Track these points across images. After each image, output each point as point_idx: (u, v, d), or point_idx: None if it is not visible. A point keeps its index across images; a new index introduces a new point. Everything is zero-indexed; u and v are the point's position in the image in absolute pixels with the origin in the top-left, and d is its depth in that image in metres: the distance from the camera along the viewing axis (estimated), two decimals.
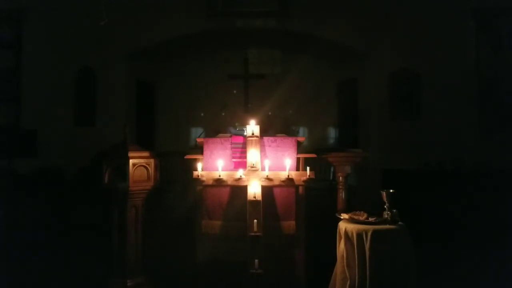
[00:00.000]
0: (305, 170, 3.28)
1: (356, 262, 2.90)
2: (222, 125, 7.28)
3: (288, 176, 3.23)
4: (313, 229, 3.64)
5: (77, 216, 5.33)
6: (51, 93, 6.72)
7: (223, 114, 7.35)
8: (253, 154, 3.28)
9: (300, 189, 3.39)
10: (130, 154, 3.18)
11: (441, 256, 4.24)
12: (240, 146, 3.38)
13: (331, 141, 8.36)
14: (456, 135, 6.32)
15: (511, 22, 6.53)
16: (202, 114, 8.26)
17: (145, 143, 4.84)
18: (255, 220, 2.99)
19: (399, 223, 3.01)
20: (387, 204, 3.04)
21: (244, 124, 3.87)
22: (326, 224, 3.53)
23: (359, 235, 2.91)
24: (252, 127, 3.35)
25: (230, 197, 3.33)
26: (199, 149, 3.53)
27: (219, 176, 3.24)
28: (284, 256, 3.32)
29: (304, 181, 3.27)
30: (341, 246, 3.09)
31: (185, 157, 3.63)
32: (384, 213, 3.04)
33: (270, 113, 7.85)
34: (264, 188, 3.21)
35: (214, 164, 3.34)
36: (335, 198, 3.67)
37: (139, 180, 3.22)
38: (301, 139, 3.49)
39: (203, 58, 8.28)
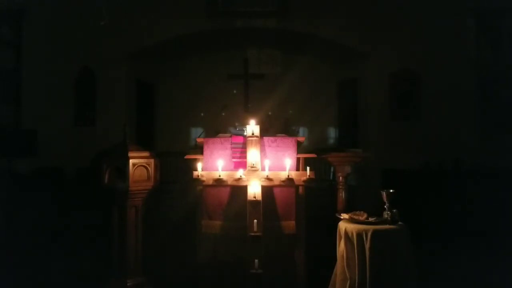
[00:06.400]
0: (305, 170, 3.28)
1: (356, 262, 2.90)
2: (222, 125, 7.27)
3: (288, 176, 3.23)
4: (313, 229, 3.64)
5: (77, 216, 5.33)
6: (51, 93, 6.72)
7: (223, 114, 7.34)
8: (253, 154, 3.28)
9: (300, 189, 3.39)
10: (130, 154, 3.18)
11: (441, 256, 4.24)
12: (240, 146, 3.38)
13: (331, 141, 8.36)
14: (456, 135, 6.32)
15: (511, 22, 6.53)
16: (202, 114, 8.26)
17: (145, 143, 4.85)
18: (255, 220, 2.99)
19: (399, 223, 3.01)
20: (387, 204, 3.04)
21: (244, 124, 3.86)
22: (326, 224, 3.53)
23: (359, 235, 2.91)
24: (252, 127, 3.35)
25: (230, 197, 3.33)
26: (199, 149, 3.53)
27: (219, 176, 3.24)
28: (284, 256, 3.31)
29: (304, 181, 3.26)
30: (341, 246, 3.09)
31: (185, 157, 3.63)
32: (384, 213, 3.04)
33: (270, 113, 7.84)
34: (264, 188, 3.20)
35: (214, 164, 3.34)
36: (335, 198, 3.67)
37: (139, 180, 3.21)
38: (301, 139, 3.49)
39: (203, 58, 8.28)
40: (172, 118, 8.20)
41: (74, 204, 5.40)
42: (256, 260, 2.92)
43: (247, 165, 3.27)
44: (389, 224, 2.97)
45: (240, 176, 3.22)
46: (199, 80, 8.19)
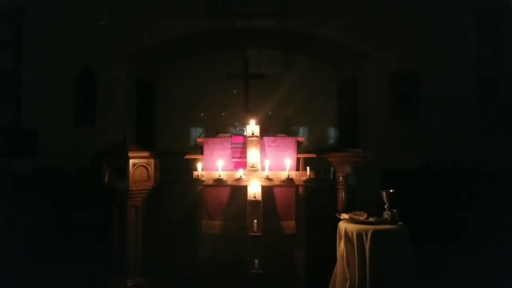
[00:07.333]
0: (305, 170, 3.28)
1: (356, 262, 2.90)
2: (222, 125, 7.27)
3: (288, 176, 3.23)
4: (313, 229, 3.64)
5: (77, 216, 5.33)
6: (51, 93, 6.72)
7: (223, 114, 7.34)
8: (253, 154, 3.28)
9: (300, 189, 3.39)
10: (130, 154, 3.18)
11: (441, 256, 4.24)
12: (240, 146, 3.38)
13: (331, 141, 8.36)
14: (456, 135, 6.32)
15: (511, 22, 6.53)
16: (202, 114, 8.27)
17: (145, 143, 4.85)
18: (255, 220, 2.99)
19: (399, 223, 3.01)
20: (387, 204, 3.04)
21: (244, 124, 3.87)
22: (326, 224, 3.53)
23: (359, 235, 2.91)
24: (252, 127, 3.35)
25: (230, 197, 3.33)
26: (199, 149, 3.53)
27: (219, 176, 3.24)
28: (284, 256, 3.31)
29: (304, 181, 3.27)
30: (341, 246, 3.09)
31: (185, 157, 3.63)
32: (384, 213, 3.04)
33: (270, 113, 7.84)
34: (264, 188, 3.20)
35: (214, 164, 3.34)
36: (335, 198, 3.67)
37: (139, 180, 3.21)
38: (301, 139, 3.49)
39: (203, 58, 8.29)
40: (172, 118, 8.20)
41: (74, 204, 5.40)
42: (256, 260, 2.92)
43: (247, 165, 3.27)
44: (389, 224, 2.98)
45: (240, 176, 3.22)
46: (199, 80, 8.19)
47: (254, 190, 3.15)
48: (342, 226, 3.09)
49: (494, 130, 6.41)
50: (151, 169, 3.28)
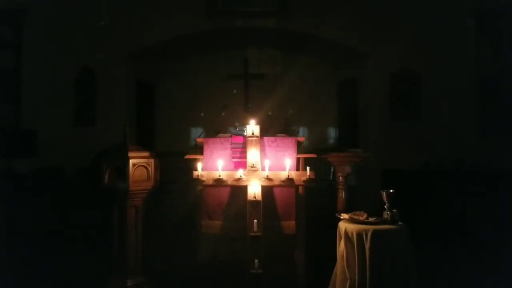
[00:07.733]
0: (305, 170, 3.28)
1: (356, 262, 2.90)
2: (222, 125, 7.27)
3: (288, 176, 3.23)
4: (313, 229, 3.64)
5: (77, 216, 5.33)
6: (51, 93, 6.72)
7: (223, 114, 7.34)
8: (253, 154, 3.28)
9: (300, 189, 3.40)
10: (130, 154, 3.18)
11: (441, 256, 4.24)
12: (240, 146, 3.38)
13: (331, 141, 8.36)
14: (456, 135, 6.32)
15: (511, 22, 6.52)
16: (202, 114, 8.27)
17: (145, 143, 4.85)
18: (255, 220, 2.99)
19: (399, 223, 3.01)
20: (387, 204, 3.04)
21: (244, 124, 3.87)
22: (326, 224, 3.53)
23: (359, 235, 2.91)
24: (252, 127, 3.35)
25: (230, 197, 3.34)
26: (199, 149, 3.53)
27: (219, 176, 3.24)
28: (284, 256, 3.31)
29: (304, 181, 3.27)
30: (341, 246, 3.09)
31: (185, 157, 3.63)
32: (384, 213, 3.04)
33: (270, 113, 7.84)
34: (264, 188, 3.21)
35: (214, 164, 3.34)
36: (335, 198, 3.67)
37: (139, 180, 3.21)
38: (301, 139, 3.49)
39: (203, 58, 8.29)
40: (172, 118, 8.20)
41: (74, 204, 5.40)
42: (256, 260, 2.92)
43: (247, 165, 3.27)
44: (389, 224, 2.98)
45: (240, 176, 3.22)
46: (199, 80, 8.19)
47: (254, 190, 3.15)
48: (342, 226, 3.09)
49: (494, 130, 6.40)
50: (151, 169, 3.28)
